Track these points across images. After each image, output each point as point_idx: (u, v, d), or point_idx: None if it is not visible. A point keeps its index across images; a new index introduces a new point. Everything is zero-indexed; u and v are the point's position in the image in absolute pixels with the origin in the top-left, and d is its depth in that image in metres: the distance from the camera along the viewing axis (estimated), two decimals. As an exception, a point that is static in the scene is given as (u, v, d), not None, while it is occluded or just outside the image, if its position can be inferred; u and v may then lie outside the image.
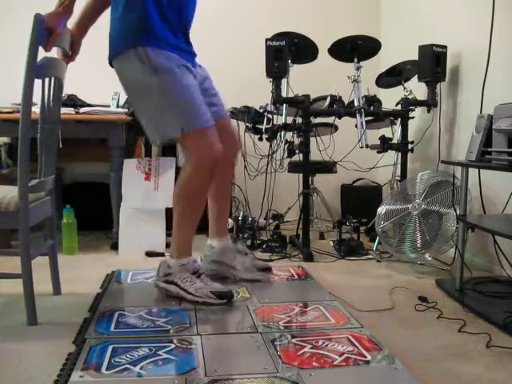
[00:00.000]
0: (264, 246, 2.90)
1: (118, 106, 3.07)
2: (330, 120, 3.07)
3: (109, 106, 3.02)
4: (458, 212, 2.17)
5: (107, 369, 1.39)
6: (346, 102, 2.95)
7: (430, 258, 2.51)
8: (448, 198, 2.39)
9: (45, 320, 1.78)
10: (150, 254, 2.78)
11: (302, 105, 2.83)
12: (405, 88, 2.98)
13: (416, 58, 2.87)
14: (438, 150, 2.91)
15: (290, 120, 2.97)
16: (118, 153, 2.89)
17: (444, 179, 2.47)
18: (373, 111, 2.91)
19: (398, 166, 3.04)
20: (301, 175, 2.93)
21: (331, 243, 3.02)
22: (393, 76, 3.10)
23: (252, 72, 3.19)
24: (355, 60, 2.94)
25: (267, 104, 3.01)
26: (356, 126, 2.86)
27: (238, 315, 1.86)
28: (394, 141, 3.02)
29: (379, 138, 3.00)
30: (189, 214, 2.01)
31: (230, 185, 2.33)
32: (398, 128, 3.02)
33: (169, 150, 3.47)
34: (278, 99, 2.79)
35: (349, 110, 2.88)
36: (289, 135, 3.09)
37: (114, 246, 2.89)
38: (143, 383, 1.34)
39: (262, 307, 1.92)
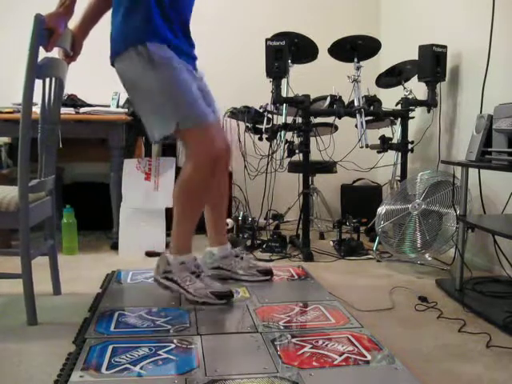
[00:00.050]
0: (264, 246, 2.90)
1: (118, 106, 3.07)
2: (329, 120, 3.07)
3: (109, 106, 3.03)
4: (457, 212, 2.17)
5: (107, 369, 1.39)
6: (346, 102, 2.95)
7: (429, 258, 2.51)
8: (448, 198, 2.39)
9: (45, 320, 1.78)
10: (149, 254, 2.78)
11: (301, 105, 2.83)
12: (405, 88, 2.98)
13: (416, 57, 2.87)
14: (438, 150, 2.91)
15: (290, 120, 2.97)
16: (118, 153, 2.89)
17: (444, 179, 2.47)
18: (373, 111, 2.91)
19: (398, 166, 3.04)
20: (301, 175, 2.93)
21: (331, 243, 3.01)
22: (393, 76, 3.10)
23: (252, 72, 3.19)
24: (355, 60, 2.94)
25: (267, 104, 3.01)
26: (356, 125, 2.86)
27: (237, 315, 1.86)
28: (394, 141, 3.02)
29: (379, 138, 3.00)
30: (189, 210, 2.00)
31: (226, 192, 2.26)
32: (397, 128, 3.02)
33: (169, 149, 3.47)
34: (277, 99, 2.79)
35: (349, 110, 2.88)
36: (289, 135, 3.08)
37: (114, 246, 2.89)
38: (143, 383, 1.34)
39: (262, 307, 1.92)
